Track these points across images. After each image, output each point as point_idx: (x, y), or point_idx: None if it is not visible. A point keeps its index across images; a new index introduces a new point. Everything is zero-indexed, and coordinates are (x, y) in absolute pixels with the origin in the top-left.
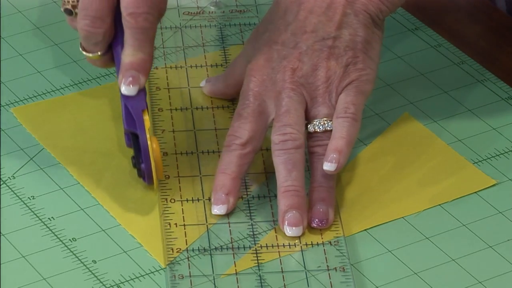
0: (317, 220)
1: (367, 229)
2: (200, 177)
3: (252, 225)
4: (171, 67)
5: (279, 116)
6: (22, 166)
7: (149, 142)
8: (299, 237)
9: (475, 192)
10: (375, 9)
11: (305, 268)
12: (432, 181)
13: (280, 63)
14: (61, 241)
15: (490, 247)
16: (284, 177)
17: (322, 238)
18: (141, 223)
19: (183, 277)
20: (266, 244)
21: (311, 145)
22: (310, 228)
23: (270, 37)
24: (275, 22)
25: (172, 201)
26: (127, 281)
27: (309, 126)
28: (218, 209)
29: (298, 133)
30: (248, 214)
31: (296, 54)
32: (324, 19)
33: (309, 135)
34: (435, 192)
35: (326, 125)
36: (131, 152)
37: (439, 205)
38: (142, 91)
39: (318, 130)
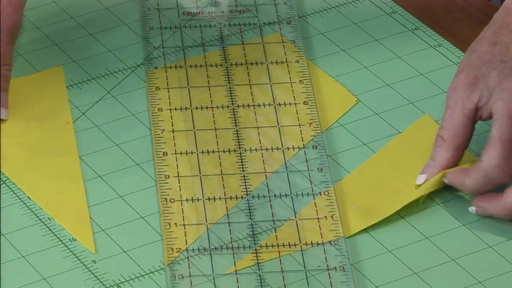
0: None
1: (367, 229)
2: (200, 177)
3: (252, 225)
4: (170, 67)
5: None
6: None
7: None
8: (298, 237)
9: None
10: None
11: (305, 268)
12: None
13: None
14: (60, 241)
15: (490, 247)
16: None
17: (322, 238)
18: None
19: (183, 277)
20: (266, 244)
21: None
22: (309, 228)
23: None
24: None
25: (172, 200)
26: (127, 281)
27: None
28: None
29: None
30: (248, 214)
31: None
32: None
33: None
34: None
35: None
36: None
37: (438, 204)
38: None
39: None
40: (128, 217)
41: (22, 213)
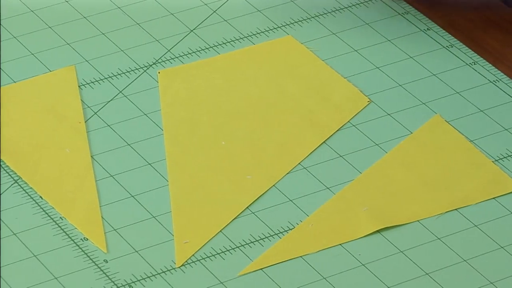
0: None
1: (379, 229)
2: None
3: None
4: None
5: None
6: None
7: None
8: None
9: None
10: None
11: None
12: (455, 184)
13: None
14: (72, 240)
15: (502, 247)
16: None
17: None
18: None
19: None
20: None
21: None
22: None
23: None
24: None
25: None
26: (139, 280)
27: None
28: None
29: None
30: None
31: None
32: None
33: None
34: (458, 196)
35: None
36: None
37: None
38: None
39: None
40: (140, 216)
41: (33, 212)
